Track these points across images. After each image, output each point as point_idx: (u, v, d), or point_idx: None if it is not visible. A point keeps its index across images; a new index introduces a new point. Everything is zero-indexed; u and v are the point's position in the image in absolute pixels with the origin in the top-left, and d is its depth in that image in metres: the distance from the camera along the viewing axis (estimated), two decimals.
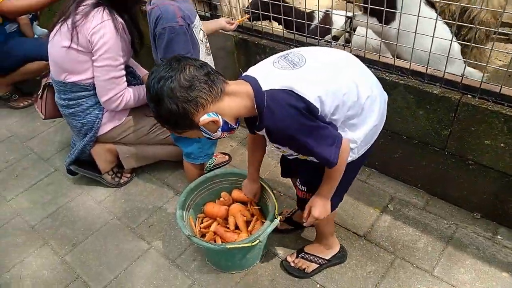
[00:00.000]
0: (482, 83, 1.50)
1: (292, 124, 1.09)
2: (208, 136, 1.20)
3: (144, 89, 1.95)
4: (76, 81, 1.90)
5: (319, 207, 1.34)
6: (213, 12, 2.25)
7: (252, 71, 1.19)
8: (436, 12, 1.77)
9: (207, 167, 2.21)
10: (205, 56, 1.73)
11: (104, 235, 1.95)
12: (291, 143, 1.18)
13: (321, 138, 1.13)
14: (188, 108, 1.09)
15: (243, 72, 1.21)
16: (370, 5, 1.56)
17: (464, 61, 1.57)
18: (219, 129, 1.17)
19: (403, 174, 2.00)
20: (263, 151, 1.54)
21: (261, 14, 2.09)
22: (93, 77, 1.88)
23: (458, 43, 1.87)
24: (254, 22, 2.14)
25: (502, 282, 1.57)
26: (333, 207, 1.41)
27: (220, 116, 1.13)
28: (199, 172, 1.98)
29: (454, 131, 1.65)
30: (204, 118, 1.11)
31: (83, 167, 2.18)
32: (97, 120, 1.98)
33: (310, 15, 2.40)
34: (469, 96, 1.56)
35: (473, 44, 1.47)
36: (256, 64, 1.22)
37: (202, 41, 1.66)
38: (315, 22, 2.36)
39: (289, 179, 1.82)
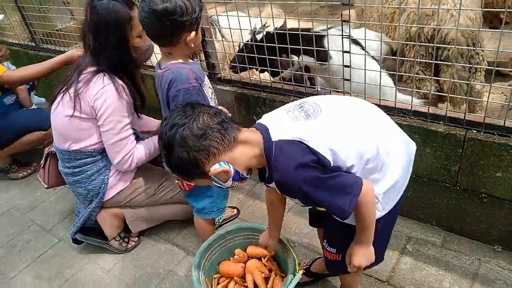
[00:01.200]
0: (485, 117, 1.53)
1: (300, 177, 1.04)
2: (219, 185, 1.16)
3: (152, 142, 1.96)
4: (80, 148, 1.89)
5: (359, 254, 1.22)
6: (211, 70, 2.31)
7: (265, 119, 1.17)
8: (363, 49, 1.93)
9: (216, 222, 2.16)
10: None
11: None
12: (301, 196, 1.10)
13: (334, 188, 1.06)
14: (199, 157, 1.06)
15: (257, 120, 1.18)
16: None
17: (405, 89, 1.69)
18: (230, 179, 1.13)
19: (417, 213, 1.98)
20: (283, 207, 1.47)
21: (246, 66, 2.21)
22: (97, 142, 1.88)
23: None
24: (241, 73, 2.23)
25: None
26: (372, 265, 1.30)
27: (231, 166, 1.10)
28: (211, 227, 1.93)
29: (463, 166, 1.66)
30: (215, 168, 1.08)
31: (89, 235, 2.12)
32: (103, 185, 1.96)
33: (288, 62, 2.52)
34: (473, 131, 1.58)
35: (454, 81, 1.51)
36: (272, 111, 1.20)
37: (211, 98, 1.69)
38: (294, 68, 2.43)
39: (314, 228, 1.72)
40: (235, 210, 2.29)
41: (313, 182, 1.05)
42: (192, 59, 1.70)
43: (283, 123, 1.12)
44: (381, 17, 2.01)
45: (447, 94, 1.60)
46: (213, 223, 1.95)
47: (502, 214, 1.69)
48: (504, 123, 1.50)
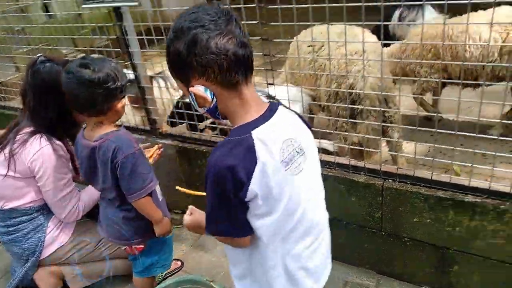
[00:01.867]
0: (398, 168, 1.69)
1: (216, 175, 0.96)
2: (193, 103, 1.04)
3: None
4: (14, 207, 1.88)
5: (193, 221, 1.22)
6: (152, 125, 2.39)
7: (278, 114, 1.04)
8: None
9: (159, 276, 2.14)
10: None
11: None
12: (205, 183, 1.02)
13: (230, 214, 1.01)
14: (194, 66, 0.94)
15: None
16: None
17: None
18: (205, 108, 1.02)
19: (351, 257, 2.07)
20: None
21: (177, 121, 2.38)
22: (33, 200, 1.89)
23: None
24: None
25: None
26: None
27: (215, 100, 0.98)
28: (152, 284, 1.92)
29: (385, 213, 1.80)
30: (198, 89, 0.97)
31: None
32: (40, 243, 1.93)
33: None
34: (390, 181, 1.74)
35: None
36: (289, 117, 1.09)
37: None
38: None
39: None
40: (179, 263, 2.29)
41: (218, 192, 0.98)
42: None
43: (274, 137, 1.00)
44: (302, 79, 2.21)
45: (361, 148, 1.76)
46: (153, 280, 1.95)
47: (424, 257, 1.82)
48: (414, 173, 1.67)
